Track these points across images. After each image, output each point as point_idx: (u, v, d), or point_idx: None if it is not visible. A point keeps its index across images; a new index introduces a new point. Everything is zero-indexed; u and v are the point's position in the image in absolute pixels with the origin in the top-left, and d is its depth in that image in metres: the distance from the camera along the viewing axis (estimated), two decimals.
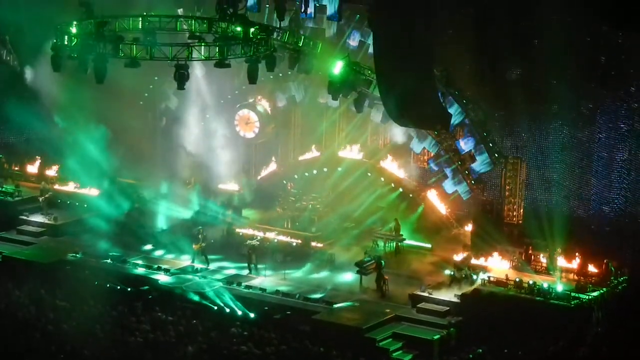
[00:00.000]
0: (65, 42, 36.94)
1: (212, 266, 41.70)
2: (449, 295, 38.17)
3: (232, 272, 41.30)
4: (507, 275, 38.42)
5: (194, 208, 45.29)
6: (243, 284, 39.82)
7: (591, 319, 36.25)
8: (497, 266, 39.55)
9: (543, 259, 39.50)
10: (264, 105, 48.38)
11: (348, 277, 40.72)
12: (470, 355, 34.87)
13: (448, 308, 37.60)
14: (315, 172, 47.51)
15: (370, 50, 40.97)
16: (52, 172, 48.86)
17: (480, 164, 42.29)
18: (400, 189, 45.66)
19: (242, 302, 38.22)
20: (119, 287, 39.52)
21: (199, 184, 47.43)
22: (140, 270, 41.16)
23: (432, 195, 45.12)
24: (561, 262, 38.99)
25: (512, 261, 39.67)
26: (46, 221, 45.31)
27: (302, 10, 42.15)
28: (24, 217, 45.57)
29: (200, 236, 42.25)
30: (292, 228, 45.01)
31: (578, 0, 39.06)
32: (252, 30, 37.52)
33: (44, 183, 47.60)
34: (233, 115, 48.57)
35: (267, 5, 43.65)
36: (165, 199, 45.75)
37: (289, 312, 37.65)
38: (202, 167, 47.49)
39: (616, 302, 37.24)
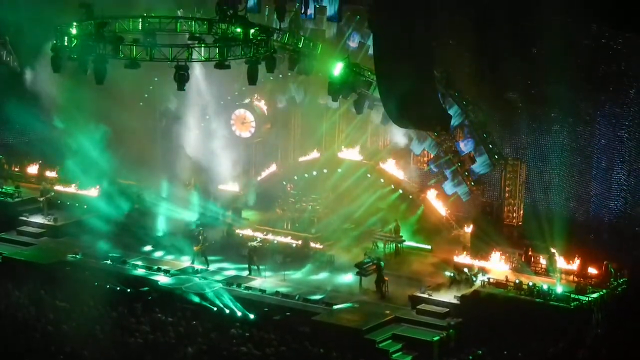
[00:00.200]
0: (65, 43, 36.94)
1: (212, 267, 41.70)
2: (448, 296, 38.16)
3: (232, 273, 41.30)
4: (506, 277, 38.39)
5: (197, 211, 45.19)
6: (243, 285, 39.82)
7: (591, 320, 36.24)
8: (496, 267, 39.52)
9: (543, 261, 39.48)
10: (259, 105, 48.36)
11: (348, 278, 40.72)
12: (470, 357, 34.86)
13: (448, 309, 37.59)
14: (315, 173, 47.50)
15: (371, 51, 40.94)
16: (52, 173, 48.86)
17: (480, 166, 42.32)
18: (400, 191, 45.65)
19: (242, 303, 38.21)
20: (118, 288, 39.51)
21: (198, 185, 47.42)
22: (140, 271, 41.15)
23: (432, 197, 45.08)
24: (561, 263, 38.95)
25: (511, 263, 39.64)
26: (46, 222, 45.31)
27: (302, 11, 42.21)
28: (24, 218, 45.56)
29: (200, 237, 42.27)
30: (291, 229, 45.00)
31: (578, 1, 39.05)
32: (252, 31, 37.52)
33: (44, 184, 47.63)
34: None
35: (267, 7, 43.64)
36: (165, 200, 45.74)
37: (288, 313, 37.65)
38: (202, 168, 47.47)
39: (616, 303, 37.24)
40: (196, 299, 38.62)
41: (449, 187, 43.16)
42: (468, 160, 42.56)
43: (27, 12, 45.16)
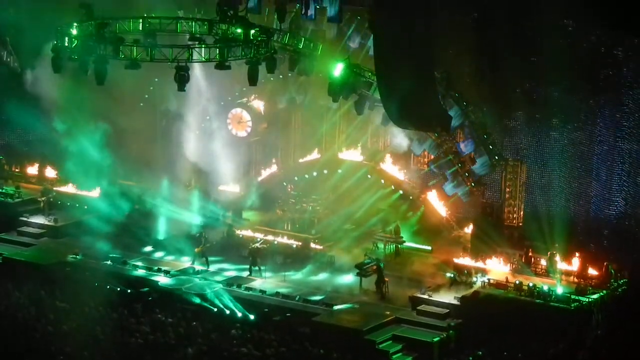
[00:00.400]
0: (66, 44, 36.90)
1: (212, 268, 41.71)
2: (448, 297, 38.17)
3: (232, 274, 41.31)
4: (507, 278, 38.41)
5: (201, 214, 45.14)
6: (243, 285, 39.82)
7: (591, 321, 36.23)
8: (497, 268, 39.52)
9: (543, 262, 39.47)
10: (256, 104, 48.36)
11: (348, 279, 40.72)
12: (470, 358, 34.86)
13: (448, 310, 37.60)
14: (315, 174, 47.52)
15: (371, 52, 40.92)
16: (52, 173, 48.87)
17: (480, 167, 42.29)
18: (400, 191, 45.68)
19: (242, 303, 38.22)
20: (119, 289, 39.53)
21: (199, 185, 47.40)
22: (140, 272, 41.17)
23: (432, 198, 45.11)
24: (561, 264, 38.96)
25: (512, 263, 39.63)
26: (46, 222, 45.32)
27: (303, 12, 42.18)
28: (24, 219, 45.57)
29: (202, 239, 42.29)
30: (292, 230, 45.01)
31: (578, 1, 39.04)
32: (252, 32, 37.51)
33: (45, 184, 47.64)
34: None
35: (268, 7, 43.62)
36: (165, 200, 45.71)
37: (288, 314, 37.65)
38: (203, 168, 47.43)
39: (616, 304, 37.22)
40: (196, 300, 38.62)
41: (449, 188, 43.13)
42: (468, 161, 42.55)
43: (27, 13, 45.15)
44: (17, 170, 49.85)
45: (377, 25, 37.64)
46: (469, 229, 42.94)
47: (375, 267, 39.91)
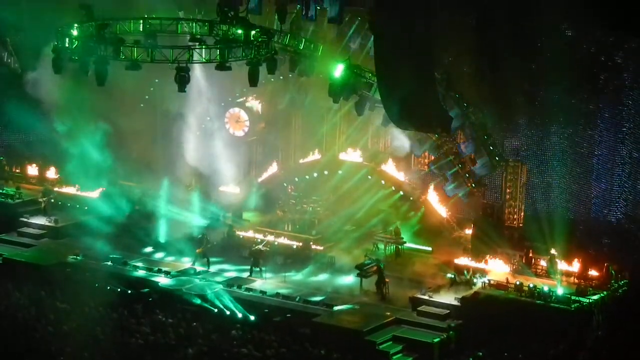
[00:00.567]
0: (66, 45, 36.90)
1: (213, 268, 41.71)
2: (449, 298, 38.16)
3: (233, 274, 41.30)
4: (507, 279, 38.40)
5: (204, 216, 45.12)
6: (243, 286, 39.82)
7: (591, 322, 36.23)
8: (497, 269, 39.52)
9: (543, 262, 39.46)
10: (254, 103, 48.36)
11: (348, 279, 40.72)
12: (471, 359, 34.87)
13: (448, 311, 37.59)
14: (315, 174, 47.52)
15: (372, 52, 40.93)
16: (52, 174, 48.87)
17: (480, 167, 42.29)
18: (401, 192, 45.69)
19: (243, 304, 38.21)
20: (119, 289, 39.52)
21: (199, 186, 47.39)
22: (141, 273, 41.18)
23: (432, 198, 45.11)
24: (561, 265, 38.95)
25: (512, 264, 39.63)
26: (47, 223, 45.32)
27: (303, 12, 42.16)
28: (25, 219, 45.57)
29: (204, 240, 42.30)
30: (292, 231, 44.99)
31: (578, 1, 39.05)
32: (253, 32, 37.50)
33: (46, 185, 47.66)
34: None
35: (268, 8, 43.61)
36: (165, 201, 45.71)
37: (289, 315, 37.65)
38: (203, 169, 47.42)
39: (616, 305, 37.22)
40: (197, 300, 38.61)
41: (449, 188, 43.12)
42: (469, 162, 42.54)
43: (28, 14, 45.18)
44: (17, 171, 49.86)
45: (377, 26, 37.67)
46: (469, 230, 42.94)
47: (375, 267, 39.91)
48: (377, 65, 37.44)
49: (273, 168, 48.92)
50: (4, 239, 44.30)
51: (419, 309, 37.96)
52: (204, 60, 36.73)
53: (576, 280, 38.41)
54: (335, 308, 38.11)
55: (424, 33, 35.18)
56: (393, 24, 35.41)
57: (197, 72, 43.59)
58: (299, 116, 48.12)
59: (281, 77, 45.42)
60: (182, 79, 36.24)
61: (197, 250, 42.13)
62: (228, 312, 38.03)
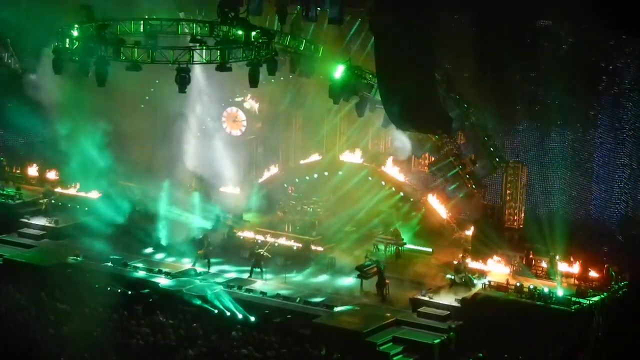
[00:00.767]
0: (67, 45, 36.89)
1: (213, 269, 41.70)
2: (449, 299, 38.16)
3: (233, 275, 41.30)
4: (507, 280, 38.39)
5: (202, 216, 45.12)
6: (244, 287, 39.81)
7: (592, 323, 36.24)
8: (497, 270, 39.52)
9: (544, 264, 39.46)
10: (251, 103, 48.35)
11: (348, 281, 40.71)
12: (471, 359, 34.86)
13: (448, 312, 37.58)
14: (316, 175, 47.52)
15: (372, 54, 40.90)
16: (53, 175, 48.87)
17: (481, 169, 42.30)
18: (401, 193, 45.70)
19: (243, 305, 38.20)
20: (119, 290, 39.50)
21: (199, 187, 47.38)
22: (141, 274, 41.15)
23: (432, 200, 45.11)
24: (562, 266, 38.95)
25: (512, 266, 39.63)
26: (47, 224, 45.31)
27: (304, 13, 42.10)
28: (25, 220, 45.56)
29: (205, 241, 42.29)
30: (292, 232, 44.99)
31: (578, 2, 39.06)
32: (253, 33, 37.48)
33: (47, 186, 47.66)
34: None
35: (269, 9, 43.59)
36: (166, 202, 45.70)
37: (289, 316, 37.63)
38: (203, 170, 47.42)
39: (617, 306, 37.23)
40: (197, 301, 38.58)
41: (450, 190, 43.12)
42: (469, 163, 42.55)
43: (28, 15, 45.15)
44: (17, 171, 49.85)
45: (377, 27, 37.63)
46: (469, 231, 42.94)
47: (375, 269, 39.91)
48: (378, 66, 37.42)
49: (273, 169, 48.91)
50: (4, 240, 44.30)
51: (419, 310, 37.95)
52: (204, 61, 36.69)
53: (576, 282, 38.40)
54: (336, 309, 38.10)
55: (424, 34, 35.17)
56: (393, 25, 35.40)
57: (198, 73, 43.61)
58: (299, 117, 48.14)
59: (281, 78, 45.41)
60: (183, 80, 36.21)
61: (199, 252, 42.12)
62: (228, 313, 38.02)
